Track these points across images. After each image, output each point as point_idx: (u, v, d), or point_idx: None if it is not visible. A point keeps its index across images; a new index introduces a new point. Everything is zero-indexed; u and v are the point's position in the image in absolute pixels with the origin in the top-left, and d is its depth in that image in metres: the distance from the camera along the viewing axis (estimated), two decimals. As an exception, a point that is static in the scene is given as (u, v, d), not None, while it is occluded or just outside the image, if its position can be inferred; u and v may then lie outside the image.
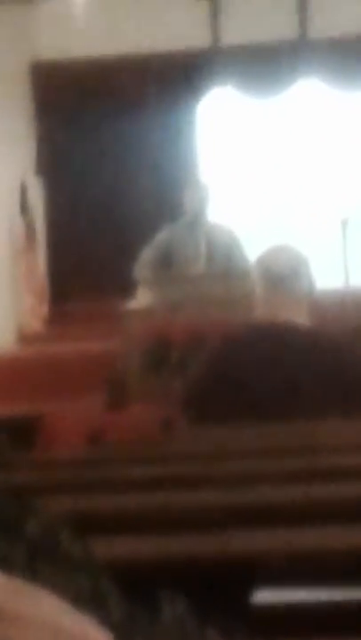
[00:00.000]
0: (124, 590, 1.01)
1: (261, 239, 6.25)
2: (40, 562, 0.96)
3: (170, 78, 8.45)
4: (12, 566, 0.93)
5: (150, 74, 8.44)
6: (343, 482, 1.96)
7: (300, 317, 3.24)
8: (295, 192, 8.80)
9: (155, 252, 6.87)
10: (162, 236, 6.93)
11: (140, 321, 6.10)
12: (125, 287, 6.86)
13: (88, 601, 0.95)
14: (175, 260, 6.85)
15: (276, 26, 8.37)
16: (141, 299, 6.51)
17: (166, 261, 6.84)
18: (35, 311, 8.03)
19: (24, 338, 7.86)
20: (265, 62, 8.34)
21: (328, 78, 8.41)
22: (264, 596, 1.46)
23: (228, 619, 1.10)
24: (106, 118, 8.52)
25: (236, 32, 8.43)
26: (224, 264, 6.92)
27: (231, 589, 1.50)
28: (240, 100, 8.63)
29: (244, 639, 1.07)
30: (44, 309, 8.19)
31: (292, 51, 8.36)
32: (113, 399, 5.40)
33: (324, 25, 8.30)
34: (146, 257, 6.84)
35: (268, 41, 8.34)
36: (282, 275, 3.22)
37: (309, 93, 8.64)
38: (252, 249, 6.21)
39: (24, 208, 8.29)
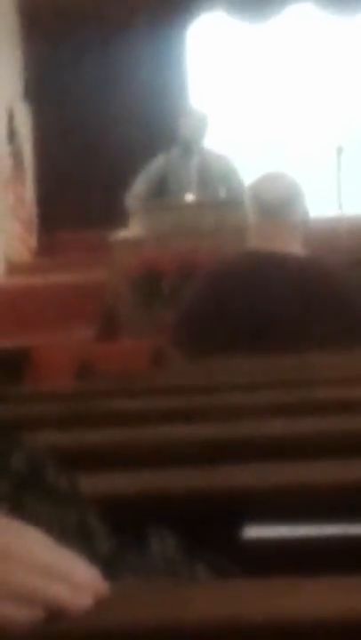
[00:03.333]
0: (112, 525, 0.98)
1: (256, 167, 6.18)
2: (26, 495, 0.93)
3: (159, 2, 8.29)
4: None
5: (139, -2, 8.30)
6: (338, 415, 1.93)
7: (294, 246, 3.18)
8: (290, 119, 8.71)
9: (147, 181, 6.78)
10: (154, 164, 6.85)
11: (130, 251, 6.05)
12: (116, 217, 6.79)
13: (74, 535, 0.92)
14: (168, 189, 6.78)
15: None
16: (133, 228, 6.44)
17: (159, 190, 6.76)
18: (23, 241, 7.96)
19: (12, 268, 7.80)
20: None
21: (321, 2, 8.27)
22: (254, 532, 1.44)
23: (218, 554, 1.07)
24: (94, 44, 8.40)
25: None
26: (219, 192, 6.85)
27: (221, 525, 1.47)
28: (231, 24, 8.49)
29: (234, 574, 1.06)
30: (33, 240, 8.12)
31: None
32: (103, 331, 5.37)
33: None
34: (138, 186, 6.77)
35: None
36: (275, 203, 3.16)
37: (302, 18, 8.50)
38: (247, 177, 6.14)
39: (11, 135, 8.17)
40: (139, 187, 6.79)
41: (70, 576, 0.78)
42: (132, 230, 6.45)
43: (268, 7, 8.31)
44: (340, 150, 6.65)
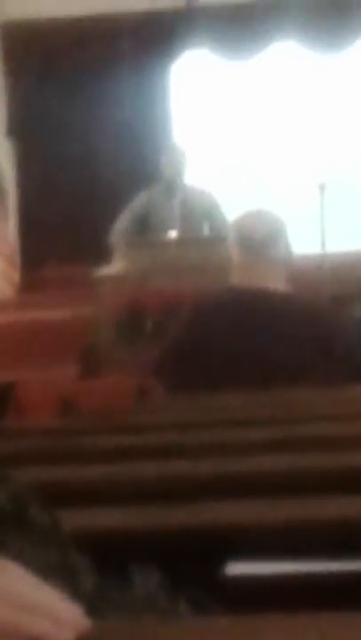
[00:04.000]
0: (95, 562, 0.98)
1: (239, 204, 6.20)
2: (8, 533, 0.93)
3: (143, 39, 8.35)
4: None
5: (123, 35, 8.34)
6: (319, 452, 1.93)
7: (278, 283, 3.19)
8: (273, 156, 8.75)
9: (130, 217, 6.80)
10: (138, 201, 6.87)
11: (113, 288, 6.05)
12: (100, 253, 6.79)
13: (57, 572, 0.92)
14: (151, 226, 6.79)
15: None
16: (117, 265, 6.44)
17: (142, 227, 6.78)
18: (6, 277, 7.93)
19: (-4, 305, 7.78)
20: (240, 24, 8.26)
21: (304, 40, 8.33)
22: (237, 569, 1.43)
23: (201, 591, 1.07)
24: (78, 79, 8.43)
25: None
26: (203, 229, 6.87)
27: (204, 562, 1.47)
28: (214, 62, 8.55)
29: (217, 611, 1.05)
30: (16, 276, 8.10)
31: (267, 11, 8.27)
32: (86, 367, 5.35)
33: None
34: (122, 223, 6.79)
35: (243, 2, 8.25)
36: (258, 240, 3.18)
37: (285, 55, 8.56)
38: (230, 214, 6.16)
39: (-6, 171, 8.18)
40: (121, 224, 6.81)
41: (53, 612, 0.78)
42: (116, 267, 6.45)
43: (251, 45, 8.37)
44: (322, 187, 6.68)
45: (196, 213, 6.83)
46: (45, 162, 8.56)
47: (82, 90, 8.46)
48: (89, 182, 8.44)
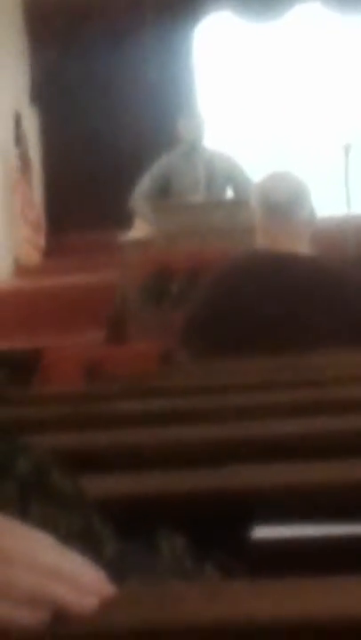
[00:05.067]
0: (121, 528, 0.99)
1: (263, 166, 6.17)
2: (32, 499, 0.94)
3: (166, 3, 8.29)
4: (3, 505, 0.90)
5: (145, -1, 8.29)
6: (346, 415, 1.92)
7: (302, 246, 3.18)
8: (297, 119, 8.69)
9: (151, 181, 6.78)
10: (158, 165, 6.85)
11: (138, 252, 6.04)
12: (124, 218, 6.78)
13: (80, 538, 0.93)
14: (173, 189, 6.77)
15: None
16: (139, 229, 6.43)
17: (164, 191, 6.76)
18: (32, 243, 7.96)
19: (21, 270, 7.80)
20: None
21: (328, 1, 8.25)
22: (263, 532, 1.43)
23: (227, 555, 1.08)
24: (101, 45, 8.39)
25: None
26: (225, 192, 6.84)
27: (229, 526, 1.47)
28: (238, 24, 8.48)
29: (243, 575, 1.06)
30: (42, 241, 8.12)
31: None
32: (113, 333, 5.36)
33: None
34: (142, 187, 6.77)
35: None
36: (281, 203, 3.15)
37: (309, 17, 8.49)
38: (254, 176, 6.13)
39: (19, 138, 8.17)
40: (143, 187, 6.79)
41: (75, 578, 0.79)
42: (140, 230, 6.44)
43: (274, 7, 8.30)
44: (348, 148, 6.63)
45: (219, 176, 6.80)
46: (69, 129, 8.54)
47: (105, 56, 8.42)
48: (114, 147, 8.42)
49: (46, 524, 0.86)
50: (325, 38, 8.61)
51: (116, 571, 0.85)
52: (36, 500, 0.94)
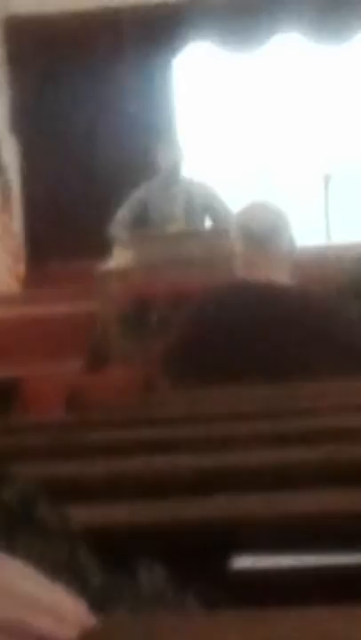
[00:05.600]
0: (102, 558, 0.98)
1: (243, 197, 6.19)
2: (16, 531, 0.93)
3: (146, 32, 8.34)
4: None
5: (125, 28, 8.33)
6: (325, 444, 1.93)
7: (282, 276, 3.19)
8: (277, 149, 8.74)
9: (130, 210, 6.80)
10: (137, 194, 6.87)
11: (117, 282, 6.04)
12: (104, 247, 6.79)
13: (65, 570, 0.92)
14: (152, 219, 6.79)
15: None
16: (118, 258, 6.44)
17: (142, 220, 6.78)
18: (11, 272, 7.94)
19: (1, 300, 7.78)
20: (243, 16, 8.24)
21: (307, 32, 8.31)
22: (243, 562, 1.43)
23: (207, 585, 1.07)
24: (81, 74, 8.42)
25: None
26: (204, 221, 6.86)
27: (210, 556, 1.47)
28: (217, 54, 8.53)
29: (223, 605, 1.06)
30: (21, 270, 8.10)
31: (269, 3, 8.25)
32: (92, 362, 5.35)
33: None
34: (121, 216, 6.79)
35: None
36: (261, 232, 3.17)
37: (288, 47, 8.55)
38: (234, 207, 6.15)
39: (-2, 167, 8.18)
40: (121, 217, 6.81)
41: (55, 608, 0.78)
42: (118, 260, 6.45)
43: (254, 37, 8.35)
44: (327, 178, 6.68)
45: (198, 206, 6.82)
46: (49, 157, 8.55)
47: (85, 84, 8.45)
48: (94, 176, 8.44)
49: (31, 555, 0.86)
50: (304, 68, 8.67)
51: (101, 602, 0.85)
52: (22, 530, 0.94)
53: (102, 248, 6.83)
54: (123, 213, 6.80)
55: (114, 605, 0.92)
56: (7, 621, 0.76)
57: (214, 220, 6.81)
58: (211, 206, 6.81)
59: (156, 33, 8.37)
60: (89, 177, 8.45)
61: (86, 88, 8.45)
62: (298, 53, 8.59)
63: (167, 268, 6.02)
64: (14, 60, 8.52)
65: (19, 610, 0.76)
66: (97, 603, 0.82)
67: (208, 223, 6.91)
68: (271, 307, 3.09)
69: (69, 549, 0.96)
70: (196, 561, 1.47)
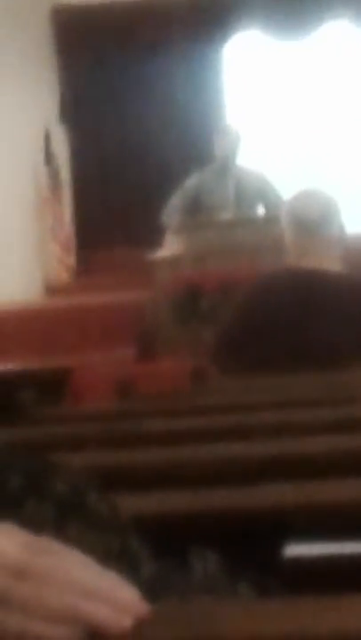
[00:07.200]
0: (154, 547, 0.99)
1: (293, 184, 6.16)
2: (68, 521, 0.94)
3: (195, 21, 8.32)
4: (40, 525, 0.90)
5: (175, 17, 8.31)
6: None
7: (332, 263, 3.17)
8: (327, 135, 8.69)
9: (183, 198, 6.80)
10: (190, 182, 6.86)
11: (168, 270, 6.04)
12: (154, 235, 6.80)
13: (117, 559, 0.92)
14: (204, 207, 6.78)
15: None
16: (170, 247, 6.44)
17: (195, 208, 6.77)
18: (62, 262, 7.99)
19: (51, 289, 7.83)
20: (292, 3, 8.20)
21: (356, 19, 8.25)
22: (296, 550, 1.43)
23: (260, 573, 1.07)
24: (130, 63, 8.42)
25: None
26: (256, 209, 6.84)
27: (263, 543, 1.46)
28: (267, 42, 8.50)
29: (276, 593, 1.05)
30: (71, 260, 8.15)
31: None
32: (143, 351, 5.36)
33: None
34: (174, 204, 6.78)
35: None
36: (311, 220, 3.15)
37: (338, 34, 8.50)
38: (284, 194, 6.13)
39: (48, 157, 8.21)
40: (174, 204, 6.81)
41: (111, 597, 0.78)
42: (170, 248, 6.45)
43: (303, 25, 8.31)
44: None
45: (250, 194, 6.80)
46: (99, 147, 8.57)
47: (134, 74, 8.45)
48: (143, 165, 8.45)
49: (83, 545, 0.86)
50: (354, 55, 8.61)
51: (152, 591, 0.85)
52: (74, 521, 0.94)
53: (152, 237, 6.84)
54: (175, 201, 6.80)
55: (166, 594, 0.92)
56: (64, 610, 0.76)
57: (266, 207, 6.80)
58: (262, 193, 6.79)
59: (205, 21, 8.35)
60: (139, 165, 8.46)
61: (135, 78, 8.45)
62: (347, 41, 8.53)
63: (218, 256, 6.01)
64: (63, 51, 8.54)
65: (76, 598, 0.77)
66: (149, 592, 0.83)
67: (260, 210, 6.89)
68: (322, 294, 3.07)
69: (121, 539, 0.96)
70: (250, 549, 1.47)
